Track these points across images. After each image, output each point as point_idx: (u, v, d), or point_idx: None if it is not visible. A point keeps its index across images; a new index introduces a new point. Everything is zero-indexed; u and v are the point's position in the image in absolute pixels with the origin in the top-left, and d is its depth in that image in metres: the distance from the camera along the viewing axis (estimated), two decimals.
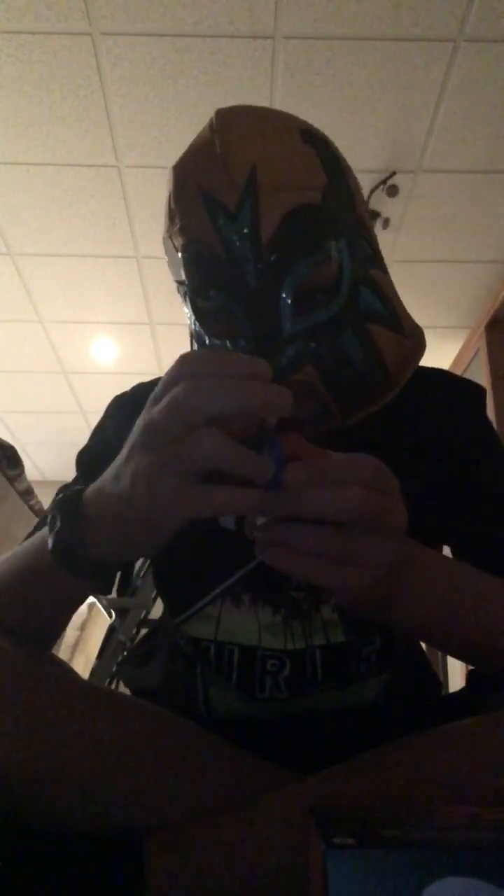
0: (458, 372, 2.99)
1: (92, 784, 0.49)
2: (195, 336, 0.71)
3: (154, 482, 0.43)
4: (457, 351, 3.33)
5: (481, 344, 3.05)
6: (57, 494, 0.57)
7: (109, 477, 0.48)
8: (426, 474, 0.70)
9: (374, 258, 0.70)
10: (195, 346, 0.71)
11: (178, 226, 0.66)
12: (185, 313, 0.72)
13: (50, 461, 4.71)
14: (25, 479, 2.22)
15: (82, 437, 4.91)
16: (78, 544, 0.50)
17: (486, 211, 2.53)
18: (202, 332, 0.69)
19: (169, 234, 0.69)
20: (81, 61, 2.01)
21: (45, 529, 0.53)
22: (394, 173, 2.36)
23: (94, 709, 0.53)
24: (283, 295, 0.63)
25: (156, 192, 2.47)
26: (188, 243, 0.65)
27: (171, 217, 0.67)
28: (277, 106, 2.10)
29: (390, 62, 2.00)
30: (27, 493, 2.22)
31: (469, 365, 3.16)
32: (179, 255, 0.67)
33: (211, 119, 0.65)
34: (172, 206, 0.67)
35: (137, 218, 2.58)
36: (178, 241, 0.67)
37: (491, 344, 3.01)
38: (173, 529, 0.46)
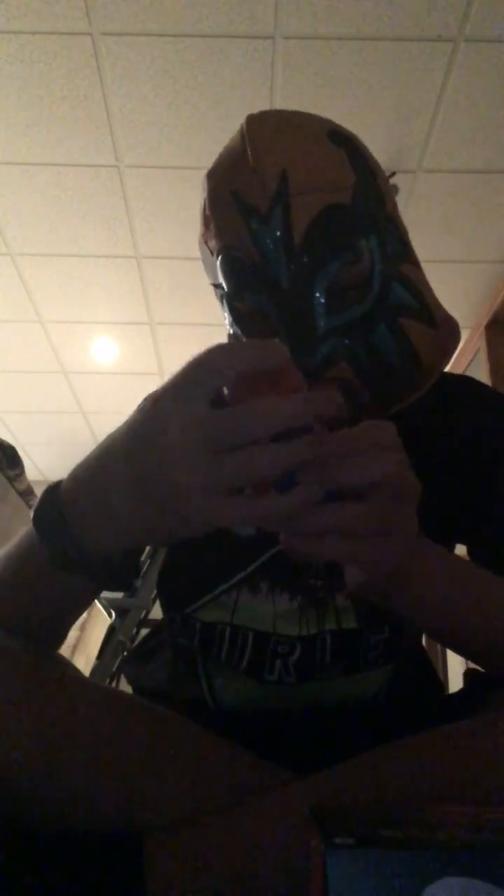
0: (458, 372, 2.99)
1: (92, 783, 0.49)
2: (233, 335, 0.73)
3: (196, 494, 0.42)
4: (457, 351, 3.33)
5: (481, 344, 3.05)
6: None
7: (116, 456, 0.46)
8: (448, 478, 0.71)
9: (406, 253, 0.72)
10: None
11: (212, 231, 0.68)
12: (224, 316, 0.73)
13: (50, 461, 4.71)
14: (25, 479, 2.22)
15: (82, 437, 4.89)
16: (71, 546, 0.49)
17: (486, 211, 2.53)
18: (239, 332, 0.70)
19: (204, 239, 0.71)
20: (81, 61, 2.01)
21: (33, 529, 0.52)
22: (394, 173, 2.36)
23: (95, 708, 0.53)
24: (317, 294, 0.64)
25: (156, 192, 2.47)
26: (223, 248, 0.67)
27: (206, 222, 0.69)
28: (277, 106, 2.10)
29: (390, 62, 2.00)
30: (27, 493, 2.23)
31: (469, 365, 3.16)
32: (215, 259, 0.68)
33: (242, 125, 0.68)
34: (207, 211, 0.69)
35: (137, 218, 2.58)
36: (214, 246, 0.69)
37: (491, 344, 3.01)
38: (188, 535, 0.46)
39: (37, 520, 0.50)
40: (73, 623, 0.63)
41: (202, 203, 0.70)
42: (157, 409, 0.44)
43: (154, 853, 0.47)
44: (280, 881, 0.46)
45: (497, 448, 0.74)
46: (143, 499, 0.44)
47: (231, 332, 0.73)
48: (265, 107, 2.10)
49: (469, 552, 0.76)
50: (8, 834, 0.49)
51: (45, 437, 4.43)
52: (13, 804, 0.49)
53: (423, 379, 0.70)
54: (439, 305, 0.74)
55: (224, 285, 0.69)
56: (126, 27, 1.91)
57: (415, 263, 0.73)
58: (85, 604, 0.59)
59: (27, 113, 2.17)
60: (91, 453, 0.49)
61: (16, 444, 2.48)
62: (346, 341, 0.65)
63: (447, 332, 0.74)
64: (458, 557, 0.60)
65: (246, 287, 0.66)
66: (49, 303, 3.08)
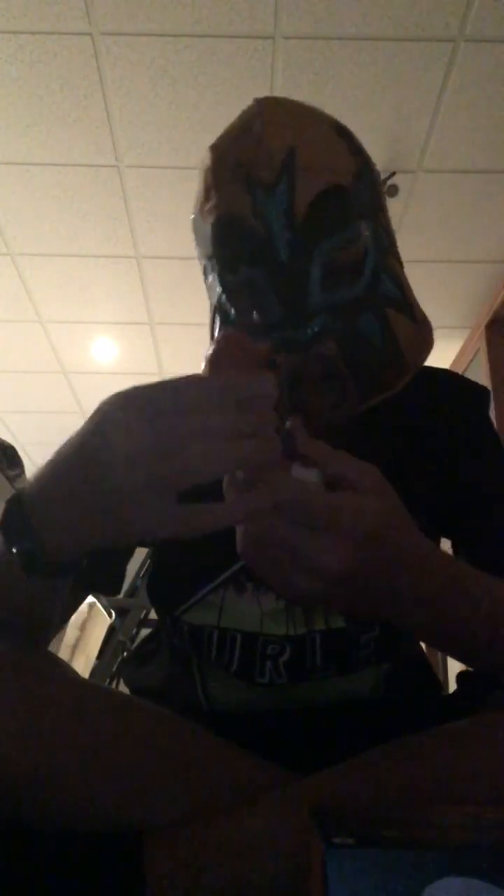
0: (458, 371, 2.99)
1: (91, 783, 0.49)
2: (218, 309, 0.73)
3: (137, 498, 0.42)
4: (457, 351, 3.33)
5: (481, 344, 3.05)
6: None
7: (69, 460, 0.47)
8: (427, 471, 0.71)
9: (391, 249, 0.73)
10: (218, 320, 0.73)
11: (212, 201, 0.69)
12: (211, 289, 0.74)
13: None
14: (25, 478, 2.21)
15: None
16: (35, 550, 0.48)
17: (486, 211, 2.53)
18: (228, 304, 0.70)
19: (201, 212, 0.72)
20: (81, 61, 2.01)
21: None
22: (394, 173, 2.36)
23: (94, 708, 0.53)
24: (313, 269, 0.65)
25: (156, 192, 2.47)
26: (223, 216, 0.68)
27: (207, 193, 0.70)
28: None
29: (390, 62, 2.00)
30: None
31: (469, 365, 3.16)
32: (211, 228, 0.69)
33: (251, 105, 0.70)
34: (209, 181, 0.69)
35: (137, 218, 2.58)
36: (211, 217, 0.69)
37: (491, 344, 3.01)
38: (137, 539, 0.46)
39: (3, 525, 0.49)
40: (55, 619, 0.62)
41: (203, 175, 0.71)
42: (103, 413, 0.45)
43: (154, 853, 0.47)
44: (280, 881, 0.46)
45: (476, 440, 0.75)
46: (92, 503, 0.45)
47: (216, 303, 0.73)
48: None
49: (453, 547, 0.76)
50: (8, 834, 0.49)
51: (45, 437, 4.43)
52: (13, 804, 0.49)
53: (403, 372, 0.70)
54: (418, 304, 0.75)
55: (217, 255, 0.69)
56: (126, 27, 1.91)
57: (399, 261, 0.74)
58: (63, 594, 0.59)
59: (27, 113, 2.17)
60: (51, 457, 0.49)
61: (16, 444, 2.47)
62: (336, 321, 0.65)
63: (427, 329, 0.75)
64: (446, 555, 0.58)
65: (242, 256, 0.67)
66: (49, 303, 3.07)
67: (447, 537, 0.76)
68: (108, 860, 0.47)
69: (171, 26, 1.91)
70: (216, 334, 0.74)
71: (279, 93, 2.07)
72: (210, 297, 0.75)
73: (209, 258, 0.72)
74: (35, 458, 4.69)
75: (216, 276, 0.71)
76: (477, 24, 1.90)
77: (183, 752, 0.53)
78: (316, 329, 0.65)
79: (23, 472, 2.20)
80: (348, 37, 1.93)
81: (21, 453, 2.27)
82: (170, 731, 0.55)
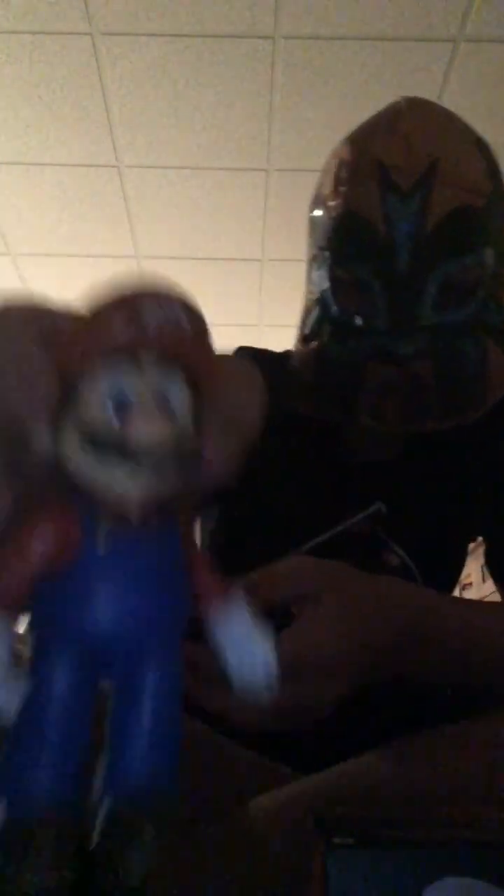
0: None
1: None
2: (321, 303, 0.71)
3: None
4: None
5: None
6: None
7: None
8: (489, 498, 0.74)
9: (502, 278, 0.72)
10: (315, 312, 0.72)
11: (342, 195, 0.68)
12: (315, 281, 0.73)
13: None
14: None
15: None
16: None
17: None
18: (332, 300, 0.70)
19: (324, 203, 0.70)
20: (81, 61, 2.01)
21: None
22: None
23: None
24: (430, 285, 0.64)
25: (156, 192, 2.47)
26: (349, 213, 0.67)
27: (336, 185, 0.69)
28: (277, 106, 2.10)
29: (390, 62, 2.00)
30: None
31: None
32: (334, 221, 0.68)
33: (398, 102, 0.69)
34: (342, 173, 0.68)
35: (137, 218, 2.58)
36: (336, 210, 0.68)
37: None
38: None
39: None
40: None
41: (335, 162, 0.70)
42: None
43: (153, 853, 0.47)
44: (280, 881, 0.46)
45: None
46: None
47: (317, 297, 0.72)
48: (265, 107, 2.10)
49: (486, 552, 0.79)
50: (7, 833, 0.49)
51: None
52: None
53: (486, 402, 0.70)
54: None
55: (333, 249, 0.68)
56: (126, 27, 1.91)
57: None
58: None
59: (27, 113, 2.17)
60: None
61: None
62: (439, 341, 0.65)
63: None
64: (458, 606, 0.60)
65: (360, 257, 0.66)
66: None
67: (482, 536, 0.80)
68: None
69: (171, 26, 1.91)
70: (309, 329, 0.73)
71: (279, 93, 2.07)
72: (309, 289, 0.74)
73: (321, 249, 0.71)
74: None
75: (326, 270, 0.70)
76: (477, 24, 1.90)
77: (182, 752, 0.53)
78: (421, 345, 0.64)
79: None
80: (348, 37, 1.93)
81: None
82: None
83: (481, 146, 0.69)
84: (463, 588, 2.40)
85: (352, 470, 0.76)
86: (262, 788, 0.51)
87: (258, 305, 3.01)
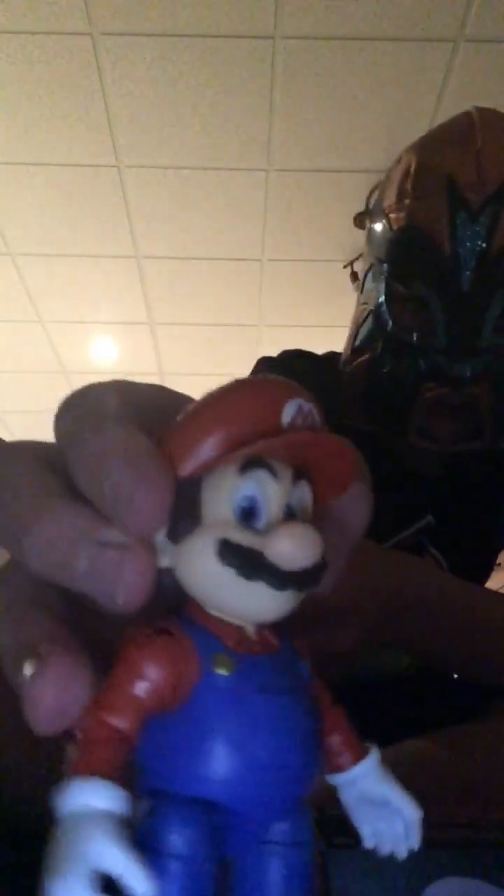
0: None
1: None
2: (376, 316, 0.70)
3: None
4: None
5: None
6: None
7: None
8: None
9: None
10: (368, 324, 0.71)
11: (406, 208, 0.66)
12: (370, 293, 0.71)
13: None
14: None
15: None
16: None
17: None
18: (387, 314, 0.68)
19: (388, 210, 0.69)
20: (81, 61, 2.01)
21: None
22: None
23: None
24: (493, 307, 0.63)
25: (156, 192, 2.47)
26: (412, 227, 0.65)
27: (400, 196, 0.67)
28: (277, 106, 2.10)
29: (390, 62, 2.00)
30: None
31: None
32: (395, 233, 0.67)
33: (470, 112, 0.67)
34: (408, 185, 0.67)
35: (137, 218, 2.58)
36: (399, 222, 0.66)
37: None
38: None
39: None
40: None
41: (400, 172, 0.68)
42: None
43: None
44: None
45: None
46: None
47: (371, 308, 0.71)
48: (265, 107, 2.10)
49: None
50: (8, 834, 0.49)
51: (45, 437, 4.42)
52: (11, 804, 0.48)
53: None
54: None
55: (393, 263, 0.67)
56: (126, 27, 1.91)
57: None
58: None
59: (27, 113, 2.17)
60: None
61: None
62: (497, 364, 0.64)
63: None
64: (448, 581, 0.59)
65: (420, 274, 0.65)
66: (49, 303, 3.07)
67: None
68: None
69: (171, 26, 1.91)
70: (361, 341, 0.72)
71: (279, 93, 2.07)
72: (363, 299, 0.73)
73: (380, 261, 0.69)
74: None
75: (383, 282, 0.68)
76: (477, 24, 1.90)
77: None
78: (479, 367, 0.63)
79: None
80: (348, 37, 1.93)
81: None
82: None
83: None
84: None
85: (402, 482, 0.76)
86: None
87: (258, 305, 3.01)
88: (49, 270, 2.86)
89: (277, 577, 0.20)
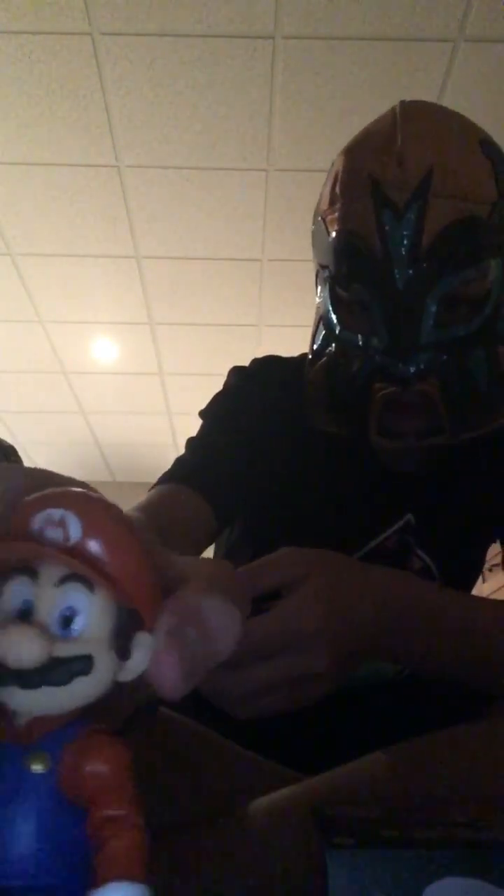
0: None
1: None
2: (324, 321, 0.71)
3: None
4: None
5: None
6: None
7: None
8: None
9: None
10: (321, 329, 0.72)
11: (338, 212, 0.66)
12: (319, 296, 0.72)
13: (50, 461, 4.71)
14: None
15: (82, 437, 4.89)
16: None
17: None
18: (334, 321, 0.69)
19: (323, 216, 0.69)
20: (81, 61, 2.01)
21: None
22: None
23: None
24: (430, 303, 0.62)
25: (156, 192, 2.47)
26: (344, 232, 0.65)
27: (332, 200, 0.67)
28: (277, 106, 2.10)
29: (390, 62, 2.00)
30: None
31: None
32: (331, 239, 0.66)
33: (394, 109, 0.66)
34: (337, 189, 0.66)
35: (137, 218, 2.58)
36: (333, 226, 0.66)
37: None
38: None
39: None
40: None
41: (332, 177, 0.68)
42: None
43: (154, 854, 0.47)
44: (280, 882, 0.45)
45: None
46: None
47: (322, 313, 0.71)
48: (265, 107, 2.10)
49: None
50: None
51: (45, 437, 4.43)
52: None
53: (501, 413, 0.69)
54: None
55: (332, 268, 0.67)
56: (126, 27, 1.91)
57: None
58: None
59: (27, 113, 2.17)
60: None
61: (16, 444, 2.47)
62: (444, 357, 0.63)
63: None
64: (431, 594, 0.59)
65: (358, 277, 0.64)
66: (49, 303, 3.07)
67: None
68: None
69: (171, 26, 1.91)
70: (317, 346, 0.72)
71: (279, 93, 2.07)
72: (317, 304, 0.73)
73: (322, 267, 0.70)
74: (35, 458, 4.69)
75: (327, 288, 0.69)
76: (477, 24, 1.90)
77: (183, 753, 0.53)
78: (421, 366, 0.63)
79: None
80: (348, 37, 1.93)
81: (21, 453, 2.27)
82: (170, 731, 0.55)
83: (486, 146, 0.66)
84: None
85: (379, 482, 0.76)
86: (263, 788, 0.51)
87: (258, 305, 3.01)
88: (49, 270, 2.86)
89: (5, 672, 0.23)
